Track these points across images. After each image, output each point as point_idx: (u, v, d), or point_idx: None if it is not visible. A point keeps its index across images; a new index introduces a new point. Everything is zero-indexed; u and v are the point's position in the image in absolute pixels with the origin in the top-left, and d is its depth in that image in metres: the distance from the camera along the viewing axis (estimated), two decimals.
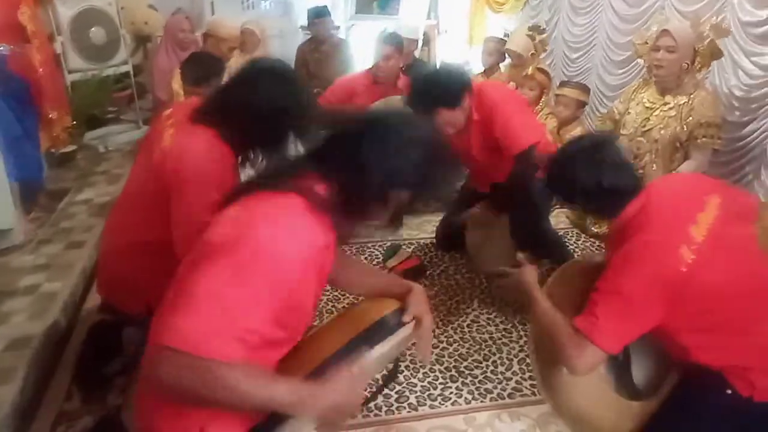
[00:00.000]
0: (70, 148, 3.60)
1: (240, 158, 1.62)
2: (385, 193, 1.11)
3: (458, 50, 6.05)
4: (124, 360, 1.89)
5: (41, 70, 2.97)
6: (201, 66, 2.61)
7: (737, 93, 2.90)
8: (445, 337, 2.15)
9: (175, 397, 0.96)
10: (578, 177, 1.50)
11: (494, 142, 2.23)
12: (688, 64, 2.67)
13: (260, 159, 1.62)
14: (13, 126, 2.62)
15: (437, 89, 2.13)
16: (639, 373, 1.63)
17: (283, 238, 0.98)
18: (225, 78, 2.54)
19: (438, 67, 2.45)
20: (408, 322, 1.28)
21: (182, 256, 1.21)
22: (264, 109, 1.52)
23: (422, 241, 2.89)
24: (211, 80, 2.52)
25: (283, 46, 5.46)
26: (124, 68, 4.19)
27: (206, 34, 4.01)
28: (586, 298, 1.46)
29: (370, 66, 3.18)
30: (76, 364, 1.90)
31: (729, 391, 1.36)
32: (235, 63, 3.59)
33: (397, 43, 3.16)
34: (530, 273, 1.63)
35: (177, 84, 3.15)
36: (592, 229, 2.98)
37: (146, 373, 0.95)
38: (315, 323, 2.14)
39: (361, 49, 4.55)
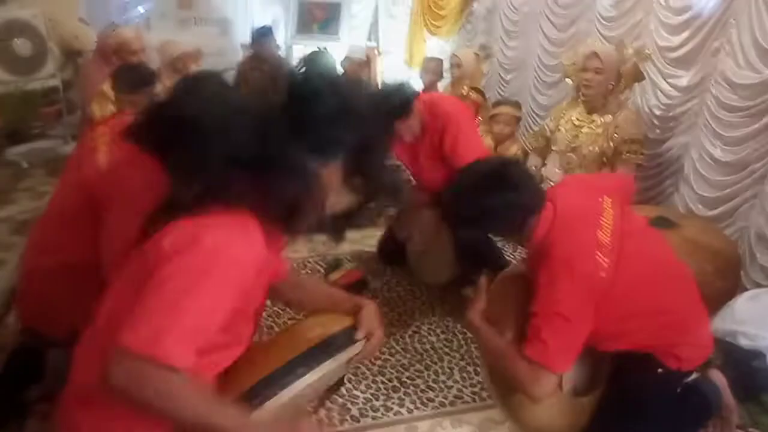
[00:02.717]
0: None
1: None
2: (319, 168, 1.03)
3: (398, 71, 6.19)
4: (46, 385, 1.77)
5: None
6: (134, 73, 2.55)
7: (657, 112, 3.10)
8: (387, 348, 2.15)
9: (126, 402, 0.91)
10: (480, 205, 1.50)
11: (441, 152, 2.29)
12: (612, 84, 2.85)
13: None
14: None
15: (389, 104, 2.17)
16: (577, 371, 1.69)
17: (238, 243, 0.96)
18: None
19: (380, 86, 2.53)
20: (360, 340, 1.26)
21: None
22: (202, 126, 1.49)
23: (364, 254, 2.89)
24: (144, 87, 2.46)
25: (223, 64, 5.40)
26: (51, 82, 4.01)
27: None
28: (521, 310, 1.51)
29: None
30: None
31: (660, 369, 1.48)
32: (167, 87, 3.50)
33: None
34: (474, 311, 1.62)
35: (98, 106, 3.05)
36: None
37: (102, 375, 0.89)
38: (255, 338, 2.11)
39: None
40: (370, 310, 1.32)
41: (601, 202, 1.54)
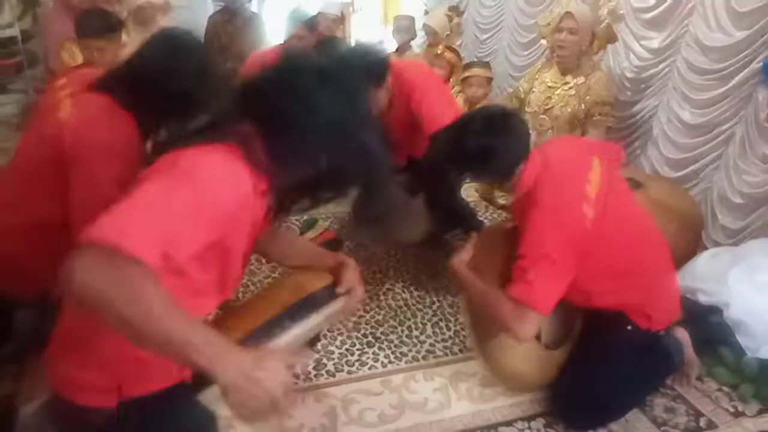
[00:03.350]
0: None
1: (144, 130, 1.54)
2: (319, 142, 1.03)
3: (373, 29, 6.06)
4: (16, 345, 1.75)
5: None
6: (98, 18, 2.47)
7: (628, 74, 3.13)
8: (362, 304, 2.19)
9: (85, 305, 0.82)
10: (482, 143, 1.55)
11: (412, 118, 2.28)
12: (586, 45, 2.86)
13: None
14: None
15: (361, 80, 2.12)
16: (550, 325, 1.76)
17: (222, 169, 0.93)
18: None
19: (355, 45, 2.45)
20: (342, 295, 1.30)
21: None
22: (171, 84, 1.46)
23: (339, 214, 2.90)
24: (108, 33, 2.38)
25: (192, 17, 5.20)
26: (9, 32, 3.82)
27: None
28: (505, 260, 1.56)
29: (282, 43, 3.12)
30: None
31: (629, 327, 1.57)
32: (133, 38, 3.36)
33: (307, 23, 3.13)
34: (459, 260, 1.67)
35: (67, 54, 2.93)
36: (500, 201, 3.12)
37: (64, 277, 0.80)
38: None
39: (274, 23, 4.45)
40: (350, 268, 1.35)
41: (591, 160, 1.58)
